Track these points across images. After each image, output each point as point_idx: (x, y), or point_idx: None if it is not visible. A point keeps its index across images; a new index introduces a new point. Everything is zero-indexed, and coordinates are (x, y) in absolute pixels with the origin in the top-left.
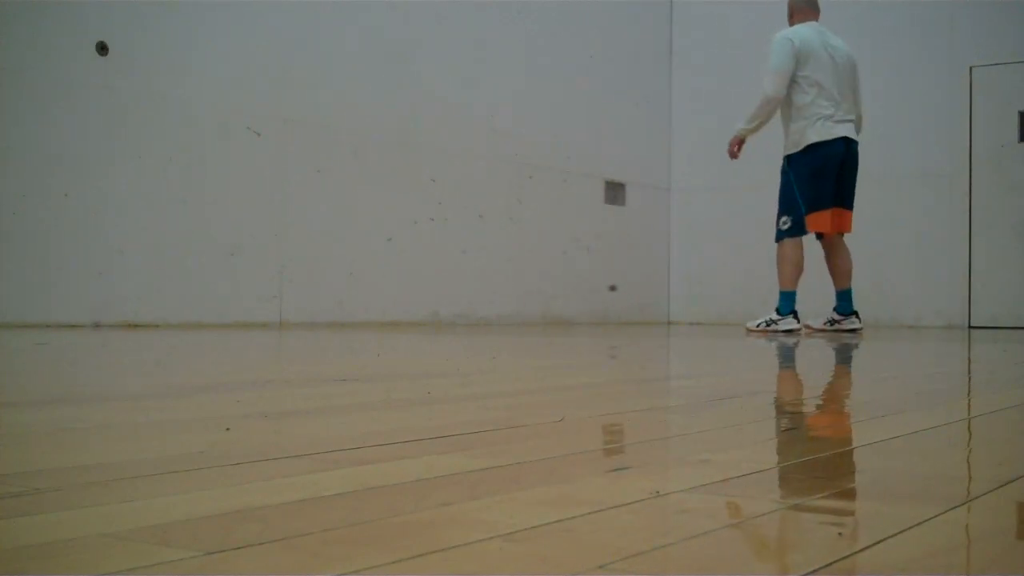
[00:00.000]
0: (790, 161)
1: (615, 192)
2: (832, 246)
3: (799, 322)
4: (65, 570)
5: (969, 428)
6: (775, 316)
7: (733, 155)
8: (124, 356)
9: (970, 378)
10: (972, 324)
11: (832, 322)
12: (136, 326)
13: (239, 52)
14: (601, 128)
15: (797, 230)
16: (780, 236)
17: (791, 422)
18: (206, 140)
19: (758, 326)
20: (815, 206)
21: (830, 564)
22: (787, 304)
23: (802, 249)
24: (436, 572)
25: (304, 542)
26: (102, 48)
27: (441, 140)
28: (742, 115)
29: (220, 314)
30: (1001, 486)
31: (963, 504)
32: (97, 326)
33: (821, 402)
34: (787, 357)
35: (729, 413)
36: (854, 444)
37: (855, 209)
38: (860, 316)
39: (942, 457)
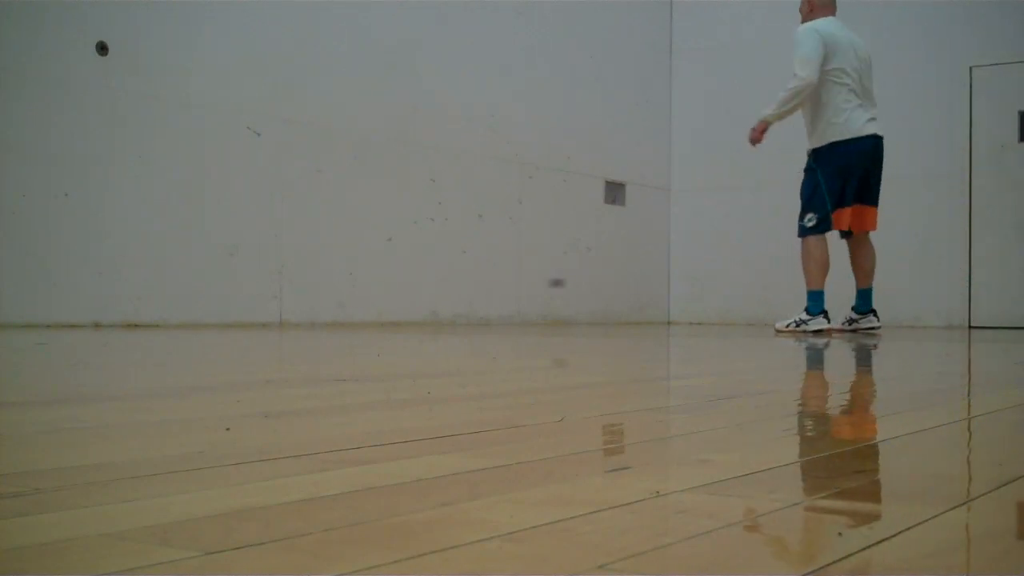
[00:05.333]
0: (816, 157)
1: (615, 192)
2: (857, 244)
3: (829, 321)
4: (65, 570)
5: (969, 428)
6: (804, 316)
7: (755, 141)
8: (124, 356)
9: (970, 378)
10: (972, 324)
11: (850, 321)
12: (136, 326)
13: (239, 52)
14: (601, 128)
15: (823, 227)
16: (803, 232)
17: (791, 422)
18: (206, 140)
19: (787, 326)
20: (840, 203)
21: (830, 564)
22: (816, 304)
23: (827, 247)
24: (436, 572)
25: (304, 542)
26: (102, 48)
27: (441, 140)
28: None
29: (220, 314)
30: (1001, 486)
31: (963, 504)
32: (97, 326)
33: (821, 402)
34: (788, 357)
35: (729, 413)
36: (854, 444)
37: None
38: (878, 315)
39: (942, 457)
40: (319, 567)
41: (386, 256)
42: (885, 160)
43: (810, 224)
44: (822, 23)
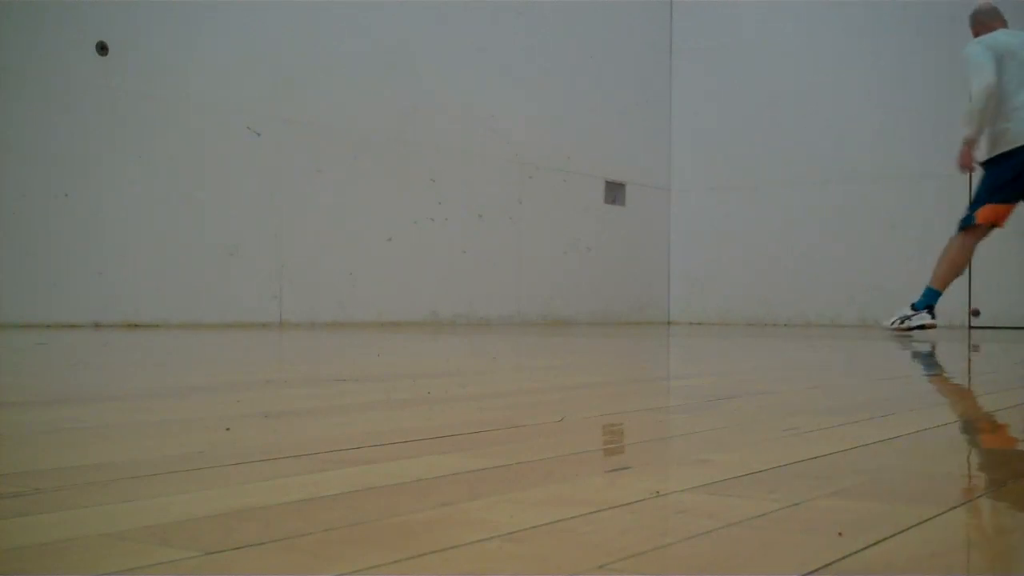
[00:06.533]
0: (985, 166)
1: (615, 192)
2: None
3: (933, 318)
4: (65, 570)
5: (969, 428)
6: (908, 312)
7: (965, 166)
8: (124, 356)
9: (970, 378)
10: (972, 324)
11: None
12: (136, 326)
13: (239, 52)
14: (601, 128)
15: (966, 222)
16: (957, 227)
17: (791, 422)
18: (206, 140)
19: (892, 324)
20: (1001, 200)
21: (830, 564)
22: (923, 300)
23: (969, 252)
24: (436, 572)
25: (304, 542)
26: (102, 48)
27: (441, 140)
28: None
29: (220, 314)
30: (1001, 486)
31: (963, 504)
32: (97, 326)
33: (821, 402)
34: (788, 357)
35: (729, 413)
36: (854, 444)
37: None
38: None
39: (942, 457)
40: (319, 567)
41: (386, 256)
42: (887, 158)
43: (961, 219)
44: (989, 37)
